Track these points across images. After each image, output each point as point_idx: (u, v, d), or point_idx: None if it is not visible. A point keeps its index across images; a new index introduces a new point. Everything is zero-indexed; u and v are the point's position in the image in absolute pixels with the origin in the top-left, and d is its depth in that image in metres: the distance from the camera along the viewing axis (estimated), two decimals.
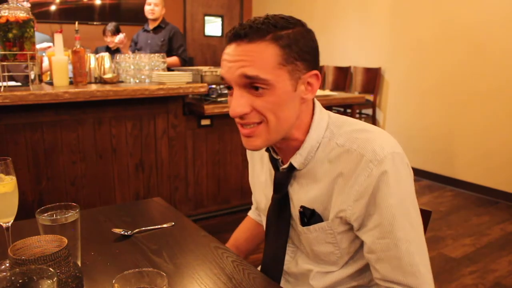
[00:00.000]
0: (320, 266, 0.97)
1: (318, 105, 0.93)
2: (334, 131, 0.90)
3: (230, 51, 0.84)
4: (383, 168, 0.81)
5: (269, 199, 1.00)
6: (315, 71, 0.86)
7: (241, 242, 1.24)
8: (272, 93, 0.82)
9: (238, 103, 0.83)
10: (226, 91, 3.23)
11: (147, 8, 4.05)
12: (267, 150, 0.98)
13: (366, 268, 0.94)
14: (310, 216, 0.92)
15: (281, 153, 0.95)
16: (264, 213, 1.06)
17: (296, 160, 0.91)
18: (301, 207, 0.92)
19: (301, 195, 0.93)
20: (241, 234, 1.26)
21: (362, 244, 0.91)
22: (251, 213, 1.29)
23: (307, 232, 0.93)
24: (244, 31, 0.81)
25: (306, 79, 0.86)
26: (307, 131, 0.90)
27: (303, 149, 0.90)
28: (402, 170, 0.84)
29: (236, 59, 0.82)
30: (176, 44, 4.07)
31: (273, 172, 0.98)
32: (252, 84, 0.82)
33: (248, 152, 1.14)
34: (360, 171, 0.83)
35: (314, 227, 0.92)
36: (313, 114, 0.92)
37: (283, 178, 0.95)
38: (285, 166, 0.93)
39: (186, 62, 4.14)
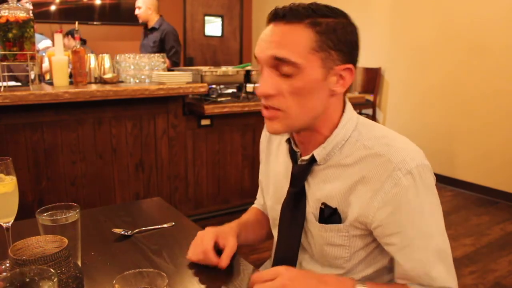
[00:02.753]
0: (324, 268, 0.95)
1: (349, 105, 0.91)
2: (362, 132, 0.88)
3: (267, 31, 0.83)
4: (412, 179, 0.80)
5: (283, 192, 0.97)
6: (350, 65, 0.84)
7: (251, 224, 1.16)
8: (300, 78, 0.80)
9: (265, 83, 0.82)
10: (226, 91, 3.25)
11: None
12: (288, 141, 0.96)
13: (371, 276, 0.93)
14: (330, 215, 0.89)
15: (302, 146, 0.93)
16: (275, 206, 1.02)
17: (318, 153, 0.89)
18: (323, 203, 0.90)
19: (317, 192, 0.91)
20: (251, 216, 1.19)
21: (372, 250, 0.90)
22: (256, 205, 1.23)
23: (321, 230, 0.90)
24: (283, 12, 0.81)
25: (339, 71, 0.83)
26: (335, 129, 0.88)
27: (328, 143, 0.88)
28: (429, 182, 0.83)
29: (270, 39, 0.82)
30: (167, 45, 3.99)
31: (289, 165, 0.96)
32: (281, 67, 0.81)
33: (263, 141, 1.11)
34: (387, 178, 0.81)
35: (330, 227, 0.89)
36: (343, 112, 0.90)
37: (301, 171, 0.92)
38: (306, 157, 0.91)
39: (178, 64, 4.07)
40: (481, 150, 3.68)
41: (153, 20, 4.05)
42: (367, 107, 4.63)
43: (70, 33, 4.38)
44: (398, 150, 0.82)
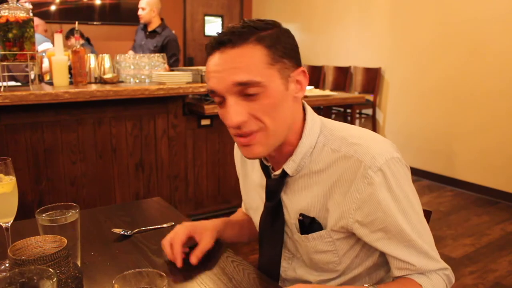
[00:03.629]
0: (318, 273, 0.96)
1: (308, 108, 0.92)
2: (327, 136, 0.88)
3: (216, 61, 0.81)
4: (383, 175, 0.81)
5: (263, 200, 0.98)
6: (302, 68, 0.85)
7: (239, 224, 1.17)
8: (267, 95, 0.80)
9: (234, 112, 0.80)
10: None
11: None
12: None
13: (363, 274, 0.94)
14: (309, 224, 0.90)
15: (272, 160, 0.93)
16: (255, 215, 1.04)
17: (289, 167, 0.89)
18: (301, 215, 0.90)
19: (294, 203, 0.91)
20: (239, 216, 1.20)
21: (360, 250, 0.91)
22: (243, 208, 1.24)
23: (305, 240, 0.91)
24: (226, 37, 0.80)
25: (295, 77, 0.85)
26: (300, 136, 0.88)
27: (296, 155, 0.88)
28: (402, 174, 0.84)
29: (224, 68, 0.80)
30: (168, 52, 3.94)
31: (264, 178, 0.96)
32: (245, 91, 0.79)
33: (237, 153, 1.12)
34: (360, 177, 0.82)
35: (312, 236, 0.90)
36: (304, 117, 0.90)
37: (276, 185, 0.92)
38: (277, 172, 0.91)
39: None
40: (481, 150, 3.68)
41: (155, 23, 4.00)
42: (367, 107, 4.63)
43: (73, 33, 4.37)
44: (366, 148, 0.83)
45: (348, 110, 4.62)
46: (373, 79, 4.64)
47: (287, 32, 0.85)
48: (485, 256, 2.63)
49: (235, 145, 1.12)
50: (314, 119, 0.90)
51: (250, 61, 0.79)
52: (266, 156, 0.89)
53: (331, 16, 5.23)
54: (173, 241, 0.96)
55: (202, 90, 2.62)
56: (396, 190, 0.82)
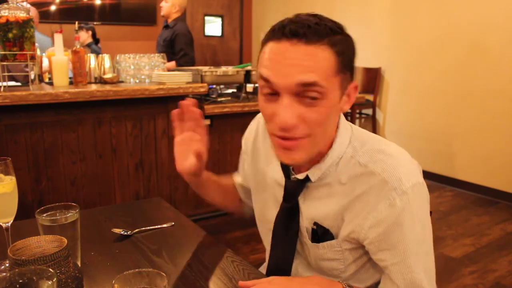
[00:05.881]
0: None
1: (341, 116, 0.88)
2: (357, 148, 0.85)
3: (284, 51, 0.74)
4: (407, 200, 0.79)
5: (277, 199, 0.95)
6: (356, 83, 0.82)
7: (220, 184, 1.14)
8: (325, 104, 0.75)
9: (288, 113, 0.74)
10: (226, 91, 3.24)
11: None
12: None
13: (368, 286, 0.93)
14: (322, 234, 0.88)
15: None
16: (265, 211, 1.01)
17: (314, 174, 0.86)
18: (315, 223, 0.89)
19: (311, 209, 0.89)
20: (225, 179, 1.17)
21: (366, 262, 0.90)
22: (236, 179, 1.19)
23: (315, 248, 0.90)
24: (302, 30, 0.73)
25: (349, 90, 0.81)
26: (331, 144, 0.85)
27: (324, 163, 0.85)
28: (424, 201, 0.83)
29: (293, 63, 0.73)
30: (177, 47, 3.86)
31: (282, 176, 0.93)
32: (307, 93, 0.74)
33: (250, 137, 1.07)
34: (382, 198, 0.79)
35: (323, 245, 0.89)
36: (337, 125, 0.86)
37: (294, 187, 0.89)
38: (300, 176, 0.87)
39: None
40: (481, 150, 3.68)
41: (173, 18, 3.93)
42: (367, 107, 4.63)
43: (83, 27, 4.38)
44: (394, 168, 0.80)
45: (348, 110, 4.61)
46: (373, 79, 4.64)
47: (353, 41, 0.80)
48: (485, 256, 2.63)
49: (248, 131, 1.09)
50: (346, 127, 0.87)
51: (321, 63, 0.73)
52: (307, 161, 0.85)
53: (331, 16, 5.18)
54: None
55: (202, 90, 2.62)
56: (415, 218, 0.80)
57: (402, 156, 0.84)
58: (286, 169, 0.91)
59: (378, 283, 0.92)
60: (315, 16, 0.78)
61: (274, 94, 0.76)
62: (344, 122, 0.87)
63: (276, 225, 0.97)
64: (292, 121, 0.74)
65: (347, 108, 0.83)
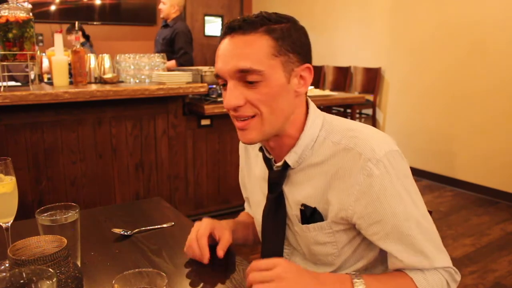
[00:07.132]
0: (317, 266, 0.97)
1: (312, 103, 0.94)
2: (329, 130, 0.90)
3: (225, 45, 0.85)
4: (384, 167, 0.82)
5: (265, 194, 0.99)
6: (308, 64, 0.87)
7: (242, 225, 1.17)
8: (266, 85, 0.82)
9: (232, 95, 0.83)
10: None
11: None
12: (261, 150, 0.98)
13: (362, 269, 0.94)
14: (311, 215, 0.91)
15: (274, 152, 0.95)
16: (258, 210, 1.04)
17: (290, 158, 0.91)
18: (302, 205, 0.92)
19: (295, 194, 0.93)
20: (243, 218, 1.21)
21: (360, 243, 0.92)
22: (246, 210, 1.26)
23: (305, 230, 0.93)
24: (238, 24, 0.83)
25: (299, 72, 0.86)
26: (302, 129, 0.90)
27: (297, 146, 0.90)
28: (401, 166, 0.85)
29: (231, 53, 0.83)
30: (176, 45, 3.88)
31: (266, 171, 0.97)
32: (246, 77, 0.82)
33: (242, 148, 1.13)
34: (359, 170, 0.83)
35: (313, 226, 0.91)
36: (307, 112, 0.92)
37: (277, 177, 0.94)
38: (279, 164, 0.93)
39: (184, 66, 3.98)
40: (481, 150, 3.68)
41: (172, 18, 3.95)
42: (367, 107, 4.63)
43: (72, 31, 4.38)
44: (366, 141, 0.84)
45: (348, 110, 4.61)
46: (373, 79, 4.64)
47: (301, 30, 0.87)
48: (485, 256, 2.63)
49: (240, 144, 1.14)
50: (316, 114, 0.92)
51: (255, 49, 0.82)
52: (260, 142, 0.92)
53: (331, 16, 5.22)
54: (199, 237, 0.96)
55: (202, 90, 2.62)
56: (396, 183, 0.83)
57: (372, 130, 0.90)
58: (267, 161, 0.96)
59: (374, 261, 0.93)
60: (260, 12, 0.86)
61: (225, 83, 0.86)
62: (314, 109, 0.93)
63: (265, 218, 1.00)
64: (236, 101, 0.83)
65: (303, 90, 0.88)
